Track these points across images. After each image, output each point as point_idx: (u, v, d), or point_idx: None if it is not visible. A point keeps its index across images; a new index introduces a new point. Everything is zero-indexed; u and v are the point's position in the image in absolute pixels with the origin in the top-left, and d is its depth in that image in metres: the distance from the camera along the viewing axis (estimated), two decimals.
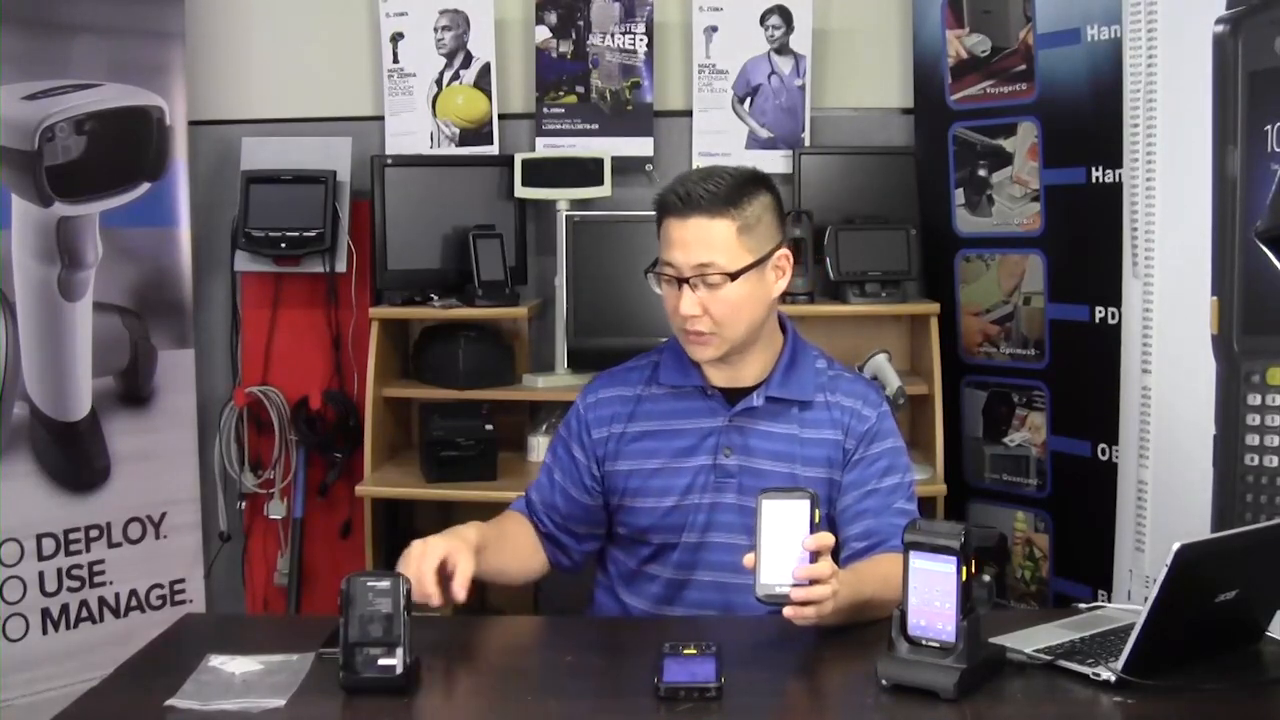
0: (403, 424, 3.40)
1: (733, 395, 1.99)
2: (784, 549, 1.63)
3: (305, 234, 3.23)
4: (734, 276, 1.89)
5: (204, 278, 3.46)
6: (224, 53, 3.49)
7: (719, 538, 1.97)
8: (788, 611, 1.64)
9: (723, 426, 1.98)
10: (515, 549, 2.02)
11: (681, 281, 1.89)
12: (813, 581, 1.62)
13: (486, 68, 3.42)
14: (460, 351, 3.17)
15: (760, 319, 1.95)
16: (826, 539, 1.65)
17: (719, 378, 1.99)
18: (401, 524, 3.35)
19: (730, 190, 1.90)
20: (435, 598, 1.73)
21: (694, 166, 3.31)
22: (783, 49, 3.37)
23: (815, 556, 1.63)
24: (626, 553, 2.04)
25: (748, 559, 1.65)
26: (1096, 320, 2.92)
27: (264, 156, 3.32)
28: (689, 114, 3.41)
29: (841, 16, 3.43)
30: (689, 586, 1.99)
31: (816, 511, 1.64)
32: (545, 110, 3.41)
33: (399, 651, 1.56)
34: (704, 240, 1.89)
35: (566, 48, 3.40)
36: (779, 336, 2.02)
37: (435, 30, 3.42)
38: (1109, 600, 2.64)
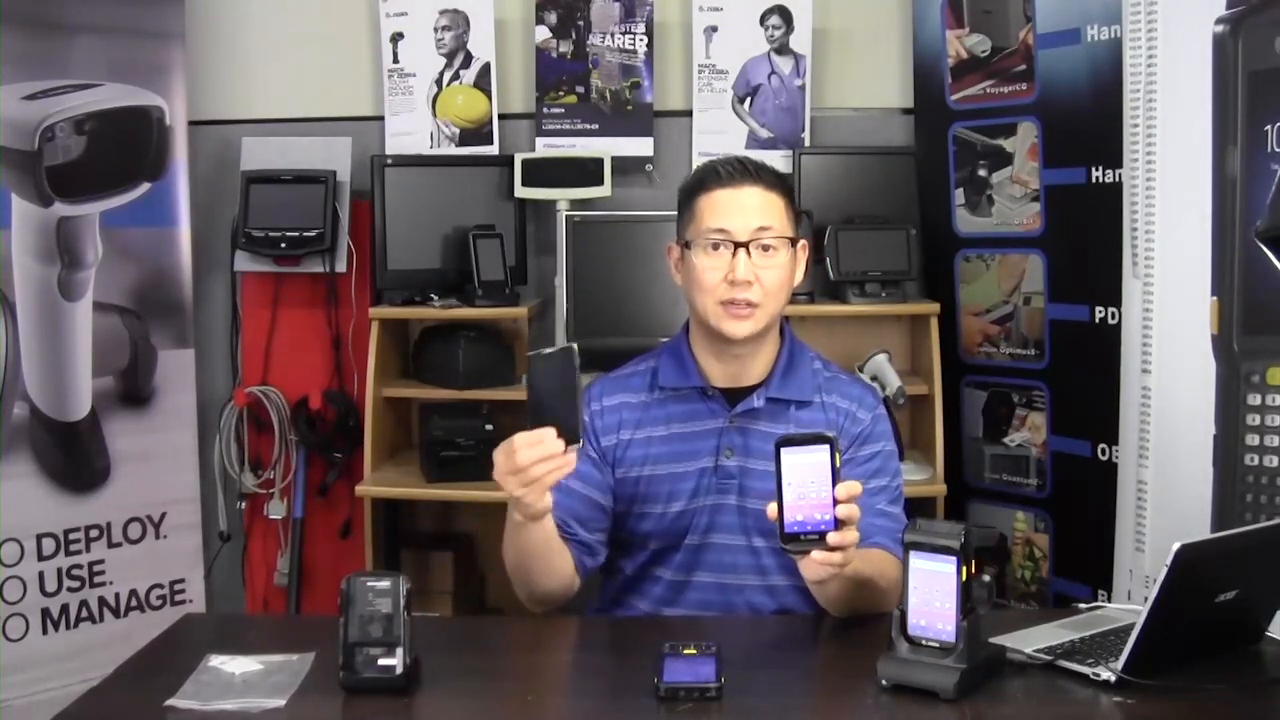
0: (403, 424, 3.41)
1: (732, 396, 1.98)
2: (806, 496, 1.62)
3: (305, 234, 3.23)
4: (793, 242, 1.94)
5: (204, 278, 3.46)
6: (224, 53, 3.49)
7: (719, 539, 1.97)
8: (817, 556, 1.63)
9: (723, 428, 1.97)
10: (563, 552, 1.94)
11: (736, 247, 1.90)
12: (841, 524, 1.62)
13: (486, 68, 3.42)
14: (460, 351, 3.17)
15: (785, 304, 1.97)
16: (856, 487, 1.65)
17: (721, 377, 1.99)
18: (402, 524, 3.36)
19: (776, 172, 1.99)
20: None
21: (694, 166, 3.31)
22: (783, 49, 3.37)
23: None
24: (626, 558, 2.03)
25: (770, 509, 1.64)
26: (1096, 320, 2.92)
27: (264, 156, 3.32)
28: (689, 114, 3.41)
29: (841, 16, 3.44)
30: (690, 588, 1.99)
31: (837, 455, 1.63)
32: (545, 110, 3.41)
33: (399, 651, 1.56)
34: (762, 206, 1.93)
35: (566, 48, 3.40)
36: (778, 336, 2.03)
37: (435, 30, 3.42)
38: (1109, 600, 2.63)
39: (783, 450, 1.63)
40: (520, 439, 1.67)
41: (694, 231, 1.94)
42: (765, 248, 1.91)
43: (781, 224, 1.93)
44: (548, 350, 1.69)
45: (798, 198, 3.23)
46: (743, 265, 1.89)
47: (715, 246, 1.91)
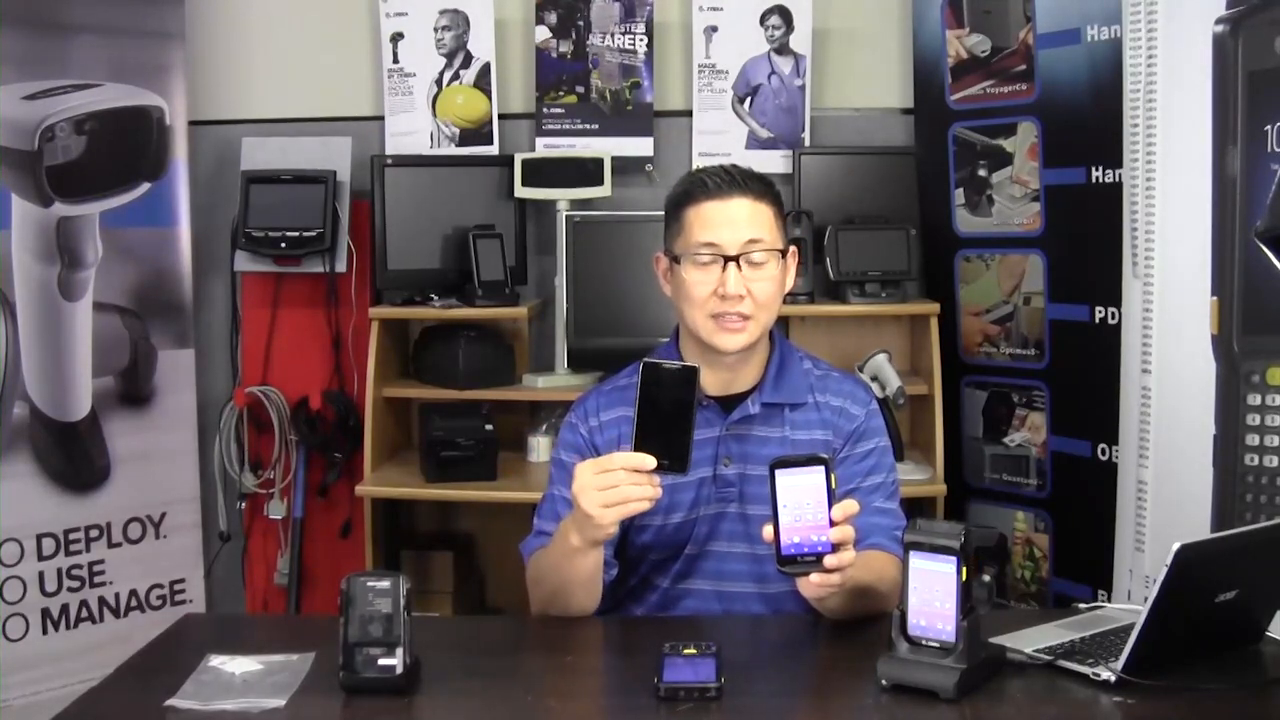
0: (403, 424, 3.40)
1: (726, 404, 1.97)
2: (802, 518, 1.61)
3: (305, 234, 3.23)
4: (783, 253, 1.92)
5: (204, 278, 3.46)
6: (224, 53, 3.49)
7: (718, 547, 1.96)
8: (815, 578, 1.62)
9: (720, 436, 1.96)
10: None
11: (726, 261, 1.88)
12: (837, 546, 1.61)
13: (486, 68, 3.42)
14: (460, 351, 3.17)
15: (777, 312, 1.95)
16: (852, 507, 1.64)
17: (714, 385, 1.97)
18: (401, 524, 3.36)
19: (764, 179, 1.96)
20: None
21: (694, 166, 3.31)
22: (783, 49, 3.37)
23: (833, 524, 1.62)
24: (625, 569, 2.01)
25: (766, 531, 1.63)
26: (1096, 320, 2.92)
27: (264, 156, 3.33)
28: (689, 114, 3.41)
29: (841, 16, 3.44)
30: (687, 596, 1.98)
31: (833, 476, 1.62)
32: (545, 110, 3.41)
33: (399, 651, 1.56)
34: (751, 218, 1.90)
35: (566, 48, 3.40)
36: (767, 340, 2.01)
37: (435, 30, 3.42)
38: (1109, 600, 2.64)
39: (777, 472, 1.62)
40: (620, 458, 1.67)
41: (682, 245, 1.92)
42: (755, 260, 1.89)
43: (771, 235, 1.91)
44: (669, 364, 1.66)
45: (797, 198, 3.26)
46: (733, 279, 1.87)
47: (705, 260, 1.89)
